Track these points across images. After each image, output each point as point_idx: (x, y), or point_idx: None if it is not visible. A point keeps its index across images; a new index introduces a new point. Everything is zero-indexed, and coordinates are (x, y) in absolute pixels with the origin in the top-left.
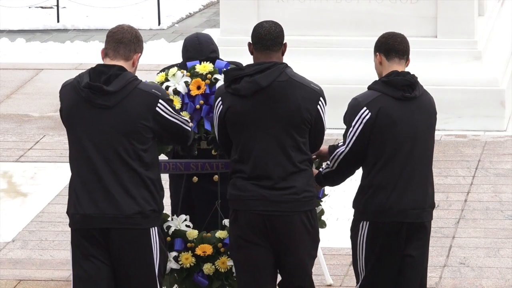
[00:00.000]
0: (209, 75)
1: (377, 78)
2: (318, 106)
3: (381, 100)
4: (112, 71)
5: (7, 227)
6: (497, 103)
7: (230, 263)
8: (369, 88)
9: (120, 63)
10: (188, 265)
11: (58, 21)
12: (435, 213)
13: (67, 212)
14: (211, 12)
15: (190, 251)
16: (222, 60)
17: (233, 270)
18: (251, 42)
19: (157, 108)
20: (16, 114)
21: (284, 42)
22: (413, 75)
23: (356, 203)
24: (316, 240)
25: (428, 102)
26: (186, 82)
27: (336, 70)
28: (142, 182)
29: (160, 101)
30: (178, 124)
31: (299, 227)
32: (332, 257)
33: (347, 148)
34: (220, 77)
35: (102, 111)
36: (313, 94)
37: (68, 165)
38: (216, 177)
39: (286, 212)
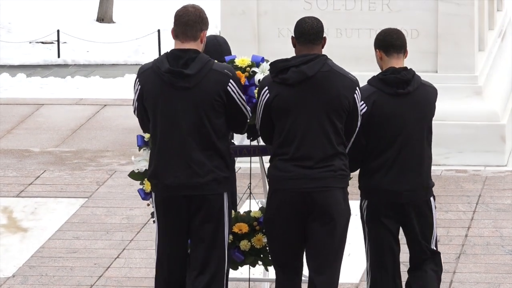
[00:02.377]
0: (248, 68)
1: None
2: (355, 95)
3: (376, 95)
4: (188, 55)
5: (8, 262)
6: (498, 138)
7: (265, 240)
8: (368, 83)
9: (190, 43)
10: None
11: (58, 56)
12: None
13: (149, 180)
14: None
15: None
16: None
17: (267, 246)
18: (293, 36)
19: (227, 87)
20: (16, 149)
21: (324, 36)
22: (410, 70)
23: (359, 184)
24: (349, 220)
25: (423, 95)
26: None
27: None
28: (217, 152)
29: (231, 80)
30: (241, 107)
31: (336, 203)
32: None
33: (352, 139)
34: (257, 70)
35: (183, 91)
36: (351, 84)
37: (68, 200)
38: None
39: (327, 187)
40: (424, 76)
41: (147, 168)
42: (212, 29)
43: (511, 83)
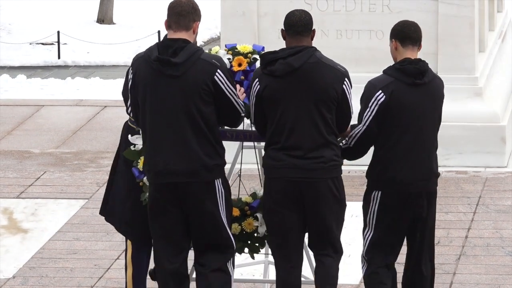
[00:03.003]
0: (249, 55)
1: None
2: (344, 86)
3: (394, 85)
4: (178, 44)
5: (8, 263)
6: (498, 139)
7: (256, 223)
8: (384, 72)
9: (182, 33)
10: None
11: (59, 58)
12: (436, 250)
13: (143, 169)
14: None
15: None
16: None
17: (258, 231)
18: (283, 28)
19: (215, 77)
20: (16, 151)
21: (313, 28)
22: (425, 62)
23: (370, 174)
24: (343, 205)
25: (436, 87)
26: (228, 59)
27: None
28: (206, 140)
29: (219, 70)
30: (229, 98)
31: (327, 193)
32: None
33: (364, 127)
34: (258, 57)
35: (171, 79)
36: (339, 74)
37: (68, 201)
38: None
39: (315, 178)
40: None
41: (142, 147)
42: (212, 30)
43: (511, 84)
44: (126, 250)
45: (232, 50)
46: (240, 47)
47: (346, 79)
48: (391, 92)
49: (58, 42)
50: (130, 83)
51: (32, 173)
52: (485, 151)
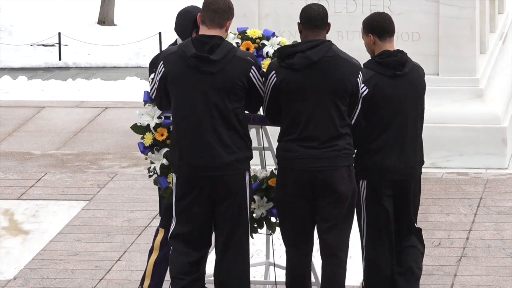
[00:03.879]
0: (258, 40)
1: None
2: (358, 79)
3: (376, 78)
4: (214, 41)
5: (9, 265)
6: (499, 141)
7: (253, 206)
8: (365, 66)
9: (216, 30)
10: None
11: (60, 59)
12: (436, 251)
13: (173, 163)
14: None
15: None
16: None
17: (255, 213)
18: (300, 22)
19: (250, 74)
20: (17, 152)
21: (328, 22)
22: (403, 52)
23: (357, 165)
24: (355, 194)
25: (417, 76)
26: (237, 43)
27: None
28: (237, 134)
29: (253, 67)
30: (259, 92)
31: (341, 180)
32: None
33: (352, 121)
34: (267, 43)
35: (208, 76)
36: (355, 68)
37: (69, 202)
38: None
39: (330, 166)
40: (425, 79)
41: (149, 123)
42: None
43: None
44: (156, 235)
45: (242, 34)
46: (250, 32)
47: (360, 71)
48: (374, 85)
49: (59, 43)
50: (159, 75)
51: (33, 174)
52: (486, 152)
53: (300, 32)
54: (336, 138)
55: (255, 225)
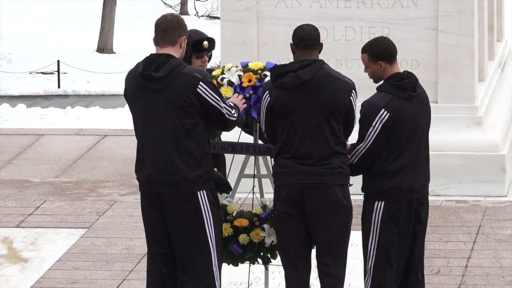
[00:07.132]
0: (259, 71)
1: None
2: (351, 97)
3: (395, 101)
4: (160, 59)
5: None
6: (498, 169)
7: (263, 234)
8: (380, 90)
9: (168, 48)
10: (226, 235)
11: (59, 87)
12: (435, 279)
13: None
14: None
15: (229, 223)
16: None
17: (265, 241)
18: (292, 42)
19: (197, 89)
20: (16, 180)
21: (320, 42)
22: (412, 73)
23: (371, 187)
24: (350, 213)
25: (425, 95)
26: (239, 76)
27: None
28: (188, 152)
29: (201, 83)
30: (215, 106)
31: (334, 199)
32: None
33: (368, 145)
34: (269, 74)
35: (155, 93)
36: (347, 87)
37: (68, 230)
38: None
39: (323, 183)
40: None
41: None
42: (213, 59)
43: (511, 114)
44: None
45: (244, 67)
46: (252, 65)
47: (353, 91)
48: (394, 109)
49: (58, 71)
50: (124, 91)
51: (32, 202)
52: (485, 180)
53: (293, 52)
54: (330, 156)
55: (268, 255)
